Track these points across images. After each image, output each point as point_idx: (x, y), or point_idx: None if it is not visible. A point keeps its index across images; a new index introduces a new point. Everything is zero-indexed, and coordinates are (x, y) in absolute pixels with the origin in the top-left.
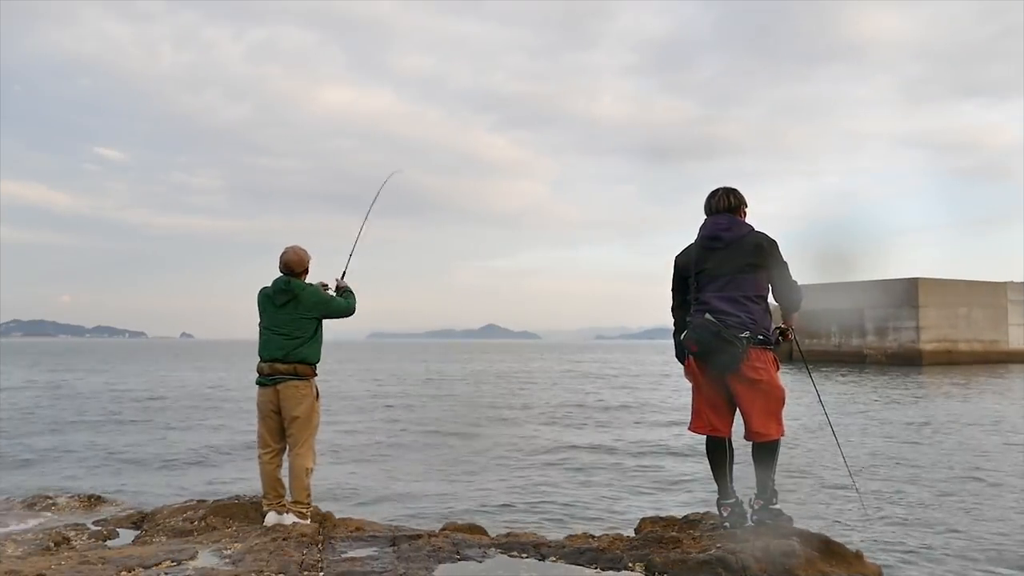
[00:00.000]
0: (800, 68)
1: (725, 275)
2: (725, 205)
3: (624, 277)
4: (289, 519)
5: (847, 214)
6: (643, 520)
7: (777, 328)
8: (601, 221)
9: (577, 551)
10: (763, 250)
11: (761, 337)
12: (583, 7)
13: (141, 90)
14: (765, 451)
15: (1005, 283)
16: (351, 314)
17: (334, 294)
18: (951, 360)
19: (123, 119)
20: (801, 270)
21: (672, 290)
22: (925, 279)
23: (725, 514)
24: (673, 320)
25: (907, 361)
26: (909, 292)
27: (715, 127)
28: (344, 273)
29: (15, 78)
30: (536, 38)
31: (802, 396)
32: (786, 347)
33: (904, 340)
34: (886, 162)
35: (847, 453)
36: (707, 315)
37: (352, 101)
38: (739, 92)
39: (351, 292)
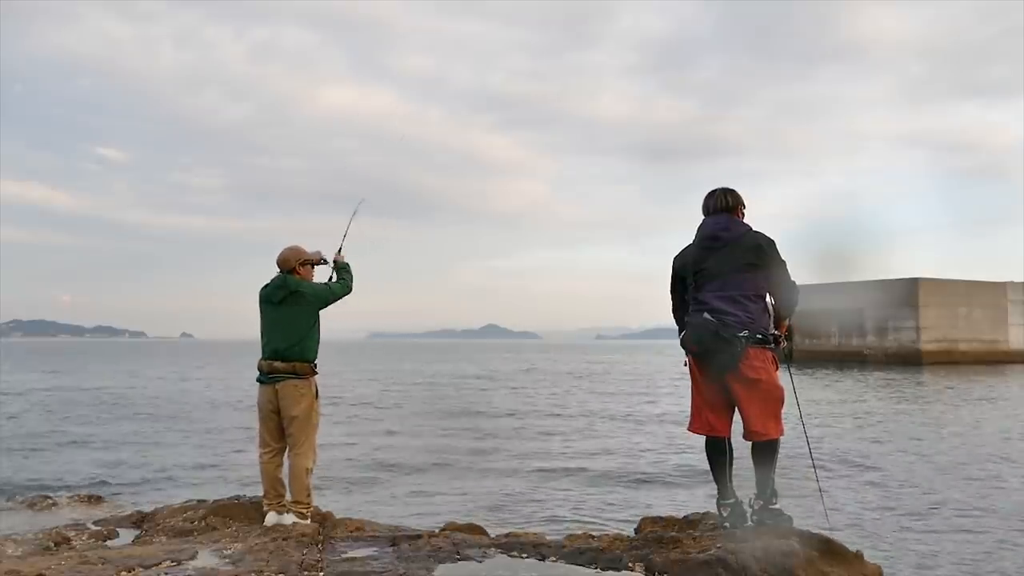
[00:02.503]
0: (801, 68)
1: (724, 275)
2: (723, 205)
3: (625, 277)
4: (289, 519)
5: (847, 214)
6: (643, 520)
7: (771, 334)
8: (602, 221)
9: (577, 551)
10: (762, 250)
11: (760, 336)
12: (584, 7)
13: (142, 90)
14: (765, 451)
15: (1005, 283)
16: (350, 292)
17: (331, 271)
18: (951, 360)
19: (124, 119)
20: (801, 270)
21: (671, 292)
22: (925, 279)
23: (725, 514)
24: (675, 321)
25: (907, 361)
26: (909, 292)
27: (716, 127)
28: (340, 248)
29: (16, 77)
30: (537, 38)
31: (803, 396)
32: (782, 351)
33: (904, 340)
34: (887, 162)
35: (841, 449)
36: (705, 315)
37: (353, 101)
38: (740, 92)
39: (348, 270)
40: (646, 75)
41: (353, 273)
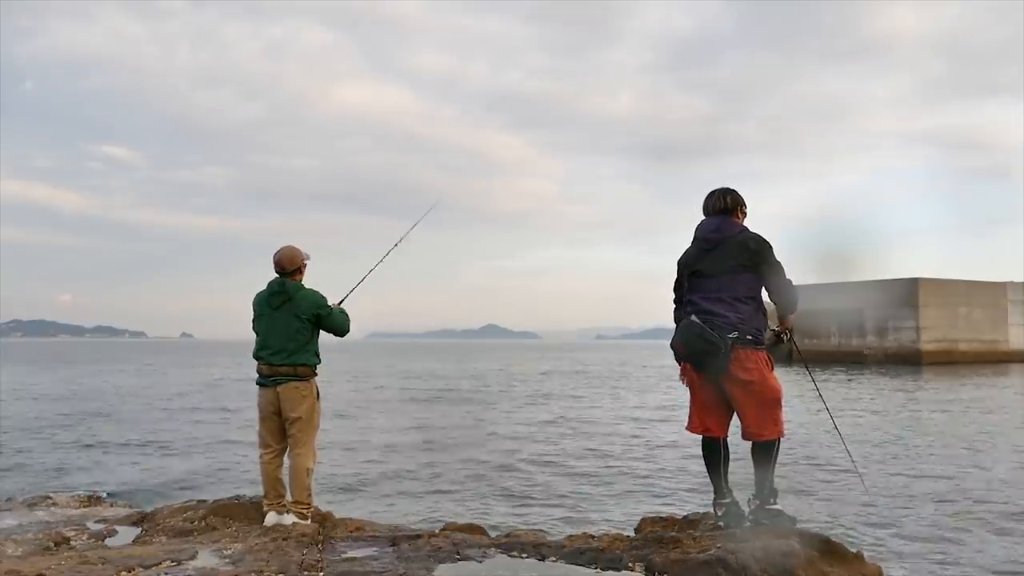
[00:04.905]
0: (821, 66)
1: (716, 276)
2: (721, 207)
3: (627, 276)
4: (289, 519)
5: (854, 214)
6: (643, 520)
7: (772, 330)
8: (611, 221)
9: (577, 551)
10: (752, 251)
11: (750, 337)
12: (601, 5)
13: (156, 88)
14: (762, 451)
15: (1005, 283)
16: (344, 331)
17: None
18: (951, 360)
19: (136, 118)
20: (803, 270)
21: (674, 291)
22: (925, 279)
23: (720, 513)
24: (674, 321)
25: (907, 361)
26: (909, 292)
27: (731, 126)
28: (343, 300)
29: (27, 75)
30: (554, 36)
31: (804, 396)
32: (786, 348)
33: (904, 340)
34: (901, 161)
35: (834, 451)
36: (693, 317)
37: (367, 99)
38: (757, 90)
39: (346, 314)
40: (663, 74)
41: (350, 319)
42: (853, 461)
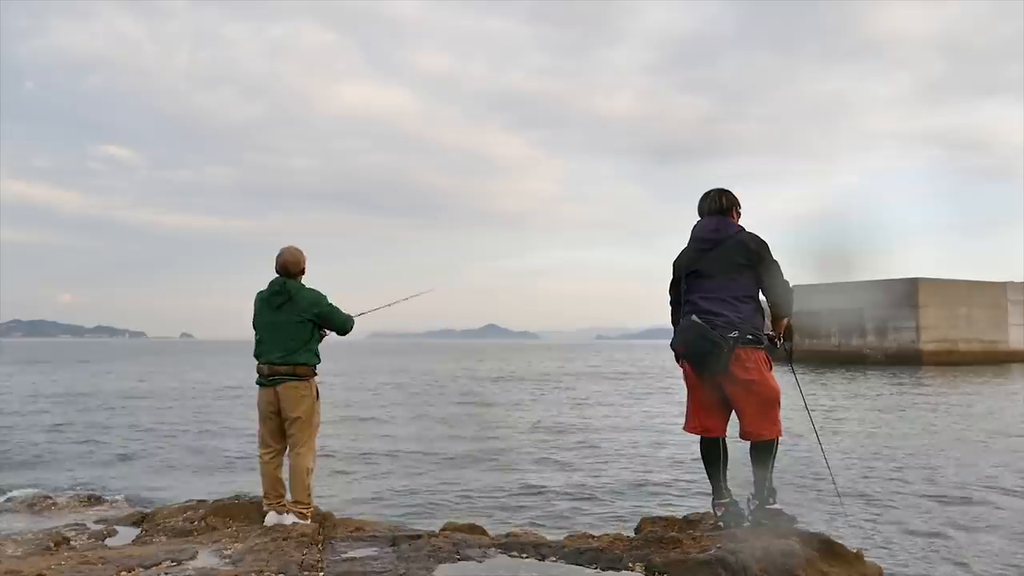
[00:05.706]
0: (822, 66)
1: (715, 276)
2: (717, 207)
3: (627, 277)
4: (289, 519)
5: (854, 214)
6: (643, 520)
7: (766, 335)
8: (611, 221)
9: (577, 551)
10: (751, 251)
11: (751, 336)
12: (601, 4)
13: (156, 88)
14: (761, 451)
15: (1005, 283)
16: (347, 329)
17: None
18: (951, 360)
19: (136, 118)
20: (802, 270)
21: (670, 293)
22: (925, 279)
23: (719, 513)
24: (672, 323)
25: (907, 361)
26: (909, 292)
27: (731, 126)
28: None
29: (27, 75)
30: (554, 36)
31: (800, 397)
32: (781, 352)
33: (904, 340)
34: (903, 161)
35: (836, 450)
36: (693, 317)
37: (367, 99)
38: (758, 91)
39: (352, 320)
40: (663, 74)
41: (353, 320)
42: (828, 465)
